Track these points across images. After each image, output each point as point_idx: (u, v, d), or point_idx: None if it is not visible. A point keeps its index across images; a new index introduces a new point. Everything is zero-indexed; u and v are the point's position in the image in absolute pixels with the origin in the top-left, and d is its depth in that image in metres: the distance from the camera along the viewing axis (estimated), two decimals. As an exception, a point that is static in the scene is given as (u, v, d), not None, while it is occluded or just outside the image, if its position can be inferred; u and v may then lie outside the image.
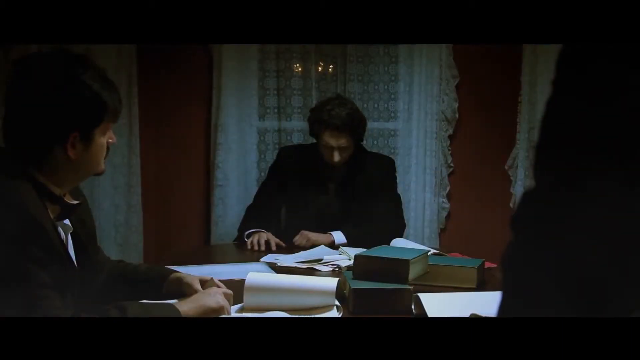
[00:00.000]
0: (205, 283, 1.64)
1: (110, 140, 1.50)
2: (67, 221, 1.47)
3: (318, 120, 2.76)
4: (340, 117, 2.70)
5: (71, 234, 1.49)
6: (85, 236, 1.56)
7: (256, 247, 2.59)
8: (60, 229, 1.42)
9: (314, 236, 2.65)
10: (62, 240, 1.42)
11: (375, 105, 3.50)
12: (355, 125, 2.75)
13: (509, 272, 0.67)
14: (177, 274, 1.68)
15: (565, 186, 0.63)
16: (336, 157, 2.74)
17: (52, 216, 1.39)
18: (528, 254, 0.65)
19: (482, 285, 1.92)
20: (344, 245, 2.60)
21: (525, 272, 0.65)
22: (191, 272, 1.78)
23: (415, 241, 2.93)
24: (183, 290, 1.62)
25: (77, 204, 1.48)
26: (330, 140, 2.73)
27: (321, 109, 2.79)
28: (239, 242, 2.76)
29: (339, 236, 2.66)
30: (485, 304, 1.56)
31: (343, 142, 2.73)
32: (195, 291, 1.59)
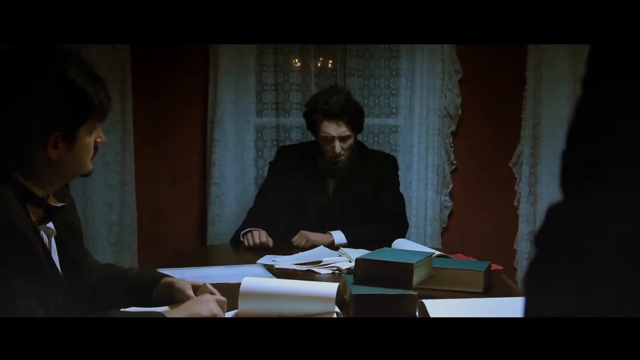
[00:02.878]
0: (197, 289, 1.57)
1: (98, 140, 1.42)
2: (50, 224, 1.39)
3: (315, 109, 2.71)
4: (338, 103, 2.66)
5: (55, 237, 1.41)
6: (71, 239, 1.48)
7: (253, 243, 2.53)
8: (42, 233, 1.35)
9: (314, 236, 2.58)
10: (45, 245, 1.34)
11: (376, 101, 3.43)
12: (352, 110, 2.70)
13: (532, 291, 0.62)
14: (169, 279, 1.61)
15: (596, 198, 0.56)
16: (337, 147, 2.66)
17: (34, 219, 1.32)
18: (554, 273, 0.58)
19: (488, 289, 1.85)
20: (344, 245, 2.53)
21: (550, 292, 0.58)
22: (185, 274, 1.72)
23: (417, 240, 2.87)
24: (174, 296, 1.55)
25: (61, 206, 1.40)
26: (330, 129, 2.66)
27: (317, 99, 2.76)
28: (236, 241, 2.69)
29: (339, 236, 2.59)
30: (493, 310, 1.51)
31: (343, 130, 2.67)
32: (187, 297, 1.52)
